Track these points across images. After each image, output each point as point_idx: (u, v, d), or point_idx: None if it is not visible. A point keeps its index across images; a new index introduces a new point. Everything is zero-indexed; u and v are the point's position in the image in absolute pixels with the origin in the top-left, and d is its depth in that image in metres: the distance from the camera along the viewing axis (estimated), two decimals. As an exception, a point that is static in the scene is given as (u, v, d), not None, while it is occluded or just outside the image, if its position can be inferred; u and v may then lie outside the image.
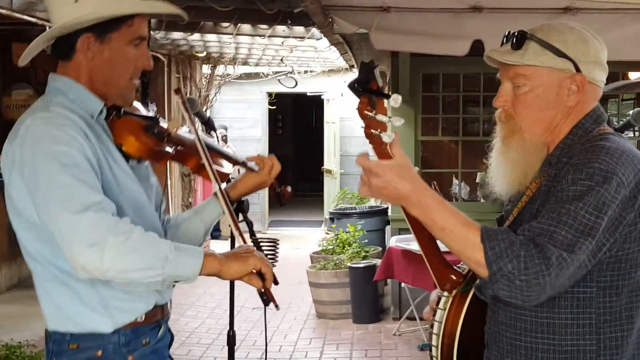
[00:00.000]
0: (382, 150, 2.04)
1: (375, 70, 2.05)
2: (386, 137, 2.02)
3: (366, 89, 2.04)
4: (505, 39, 2.21)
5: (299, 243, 12.74)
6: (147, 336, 2.38)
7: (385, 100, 2.07)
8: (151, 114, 2.56)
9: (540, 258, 1.89)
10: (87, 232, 2.05)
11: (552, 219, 1.94)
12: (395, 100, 1.99)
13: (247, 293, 8.87)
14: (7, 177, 2.24)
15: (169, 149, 2.49)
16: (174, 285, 2.35)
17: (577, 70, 2.11)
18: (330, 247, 9.21)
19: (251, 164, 2.67)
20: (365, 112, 2.04)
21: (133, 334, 2.34)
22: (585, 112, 2.16)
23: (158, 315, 2.42)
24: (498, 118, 2.24)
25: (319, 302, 8.31)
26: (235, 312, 2.86)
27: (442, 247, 2.14)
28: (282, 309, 8.54)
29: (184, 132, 2.62)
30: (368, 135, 2.05)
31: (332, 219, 10.47)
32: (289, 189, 2.80)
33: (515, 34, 2.16)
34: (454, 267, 2.19)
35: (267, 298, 2.26)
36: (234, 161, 2.72)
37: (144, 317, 2.35)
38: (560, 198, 1.97)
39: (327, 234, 12.35)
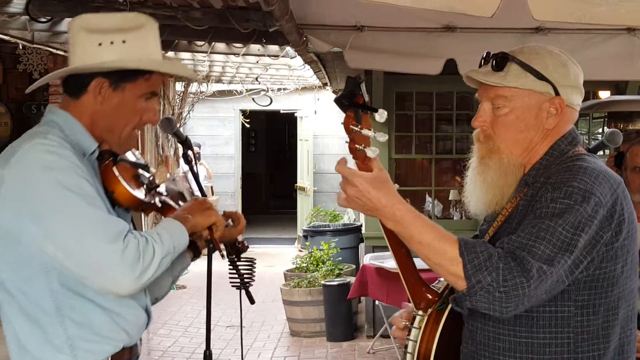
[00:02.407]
0: (365, 166, 2.05)
1: (362, 84, 2.06)
2: (370, 152, 2.03)
3: (352, 104, 2.05)
4: (484, 59, 2.24)
5: (272, 261, 12.71)
6: None
7: (370, 115, 2.08)
8: (140, 160, 2.57)
9: (519, 270, 1.91)
10: (127, 261, 2.08)
11: (531, 233, 1.97)
12: (381, 115, 2.00)
13: (220, 311, 8.85)
14: None
15: (155, 201, 2.51)
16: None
17: (557, 93, 2.15)
18: (304, 264, 9.19)
19: (228, 221, 2.70)
20: (351, 126, 2.05)
21: None
22: (562, 134, 2.20)
23: (125, 356, 2.38)
24: (476, 138, 2.26)
25: (293, 320, 8.29)
26: (205, 331, 2.86)
27: (419, 265, 2.15)
28: (256, 327, 8.56)
29: (168, 182, 2.65)
30: (352, 150, 2.06)
31: (305, 237, 10.47)
32: (245, 243, 2.89)
33: (497, 55, 2.19)
34: (430, 286, 2.20)
35: (213, 246, 2.50)
36: None
37: (109, 358, 2.32)
38: (539, 215, 2.00)
39: (301, 251, 12.34)
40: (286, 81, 12.40)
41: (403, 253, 2.12)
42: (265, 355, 7.59)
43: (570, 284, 2.01)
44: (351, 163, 2.07)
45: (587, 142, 8.49)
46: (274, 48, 7.20)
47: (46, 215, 2.12)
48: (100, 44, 2.27)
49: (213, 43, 6.70)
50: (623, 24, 4.97)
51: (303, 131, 14.96)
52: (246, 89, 13.50)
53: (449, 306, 2.13)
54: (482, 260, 1.94)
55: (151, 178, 2.52)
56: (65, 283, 2.21)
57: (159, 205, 2.52)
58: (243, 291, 2.82)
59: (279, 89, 13.55)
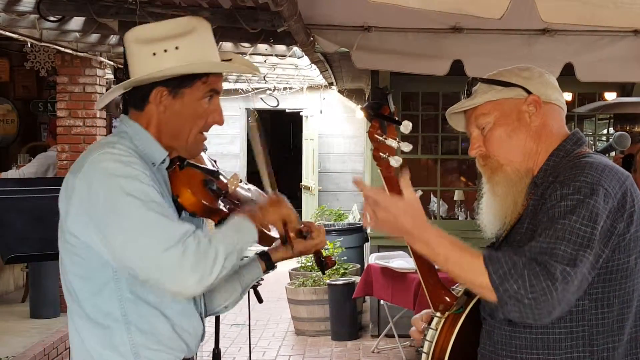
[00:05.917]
0: (388, 173, 2.11)
1: (388, 96, 2.12)
2: (393, 161, 2.09)
3: (378, 114, 2.11)
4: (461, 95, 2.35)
5: (277, 259, 12.71)
6: None
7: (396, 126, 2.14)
8: (214, 167, 2.56)
9: (544, 275, 1.94)
10: (187, 263, 2.08)
11: (549, 236, 2.00)
12: (406, 126, 2.07)
13: (225, 309, 8.87)
14: (64, 209, 2.24)
15: (223, 207, 2.46)
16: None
17: (528, 93, 2.23)
18: (309, 263, 9.21)
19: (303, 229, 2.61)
20: (376, 135, 2.12)
21: None
22: (561, 134, 2.26)
23: None
24: (478, 165, 2.34)
25: (298, 319, 8.31)
26: (213, 329, 2.87)
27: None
28: (261, 326, 8.58)
29: (240, 189, 2.62)
30: (377, 158, 2.13)
31: (310, 236, 10.45)
32: (332, 257, 2.76)
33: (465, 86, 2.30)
34: (449, 289, 2.24)
35: (287, 240, 2.47)
36: None
37: None
38: (552, 215, 2.04)
39: (306, 250, 12.32)
40: (292, 80, 12.41)
41: (424, 259, 2.16)
42: (270, 354, 7.62)
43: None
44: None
45: (591, 143, 8.50)
46: (281, 48, 7.21)
47: (107, 221, 2.14)
48: (154, 54, 2.28)
49: (220, 42, 6.71)
50: (631, 26, 4.97)
51: (308, 130, 14.96)
52: (252, 88, 13.52)
53: (466, 310, 2.17)
54: (506, 269, 1.98)
55: (221, 184, 2.50)
56: (134, 290, 2.23)
57: (227, 211, 2.46)
58: (251, 290, 2.83)
59: (284, 88, 13.57)
